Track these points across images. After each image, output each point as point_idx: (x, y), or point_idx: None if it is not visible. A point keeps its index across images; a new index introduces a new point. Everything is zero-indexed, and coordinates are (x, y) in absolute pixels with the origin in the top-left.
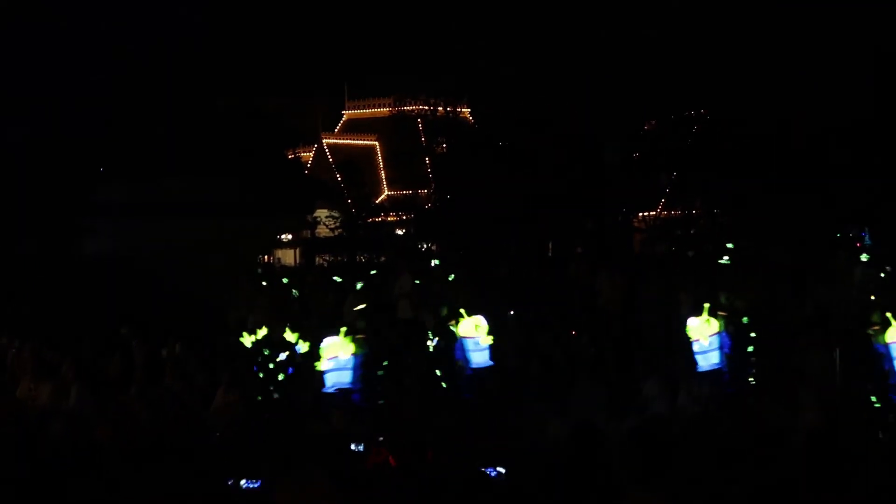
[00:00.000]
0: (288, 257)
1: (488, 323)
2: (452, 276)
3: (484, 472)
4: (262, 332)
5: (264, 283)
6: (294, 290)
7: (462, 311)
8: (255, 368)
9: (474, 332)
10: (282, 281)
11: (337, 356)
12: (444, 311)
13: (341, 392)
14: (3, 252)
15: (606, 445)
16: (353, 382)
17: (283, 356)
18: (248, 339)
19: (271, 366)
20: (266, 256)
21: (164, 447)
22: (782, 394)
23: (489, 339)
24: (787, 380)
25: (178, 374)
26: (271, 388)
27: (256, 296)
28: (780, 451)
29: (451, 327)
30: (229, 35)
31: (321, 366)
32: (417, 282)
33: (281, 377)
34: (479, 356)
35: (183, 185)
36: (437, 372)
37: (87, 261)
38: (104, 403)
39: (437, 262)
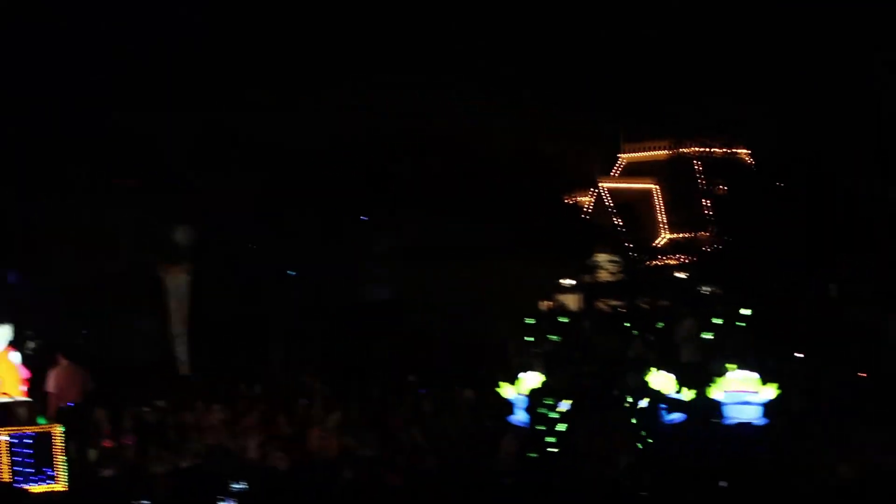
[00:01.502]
0: (570, 302)
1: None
2: (721, 320)
3: None
4: (538, 378)
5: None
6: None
7: (733, 364)
8: (531, 417)
9: (744, 386)
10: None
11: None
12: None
13: None
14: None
15: None
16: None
17: (564, 405)
18: (521, 387)
19: (551, 415)
20: (548, 302)
21: (452, 493)
22: None
23: (764, 395)
24: None
25: (465, 420)
26: (547, 438)
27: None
28: None
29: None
30: None
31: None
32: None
33: (561, 427)
34: (748, 411)
35: (460, 230)
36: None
37: (371, 307)
38: (394, 450)
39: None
